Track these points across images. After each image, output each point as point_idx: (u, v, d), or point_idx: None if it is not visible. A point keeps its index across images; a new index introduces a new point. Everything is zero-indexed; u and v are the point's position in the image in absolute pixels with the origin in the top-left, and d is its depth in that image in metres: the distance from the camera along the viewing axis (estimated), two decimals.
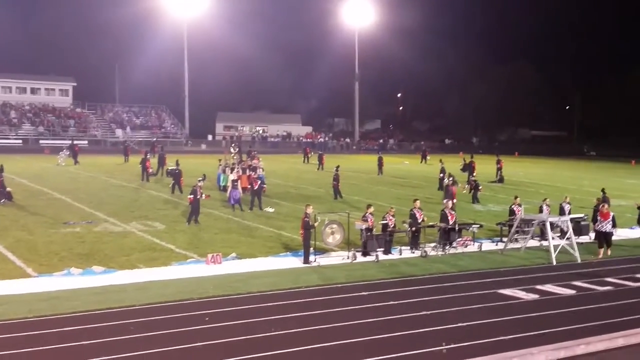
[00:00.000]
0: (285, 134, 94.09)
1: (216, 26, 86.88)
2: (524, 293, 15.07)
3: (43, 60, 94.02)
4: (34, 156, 57.88)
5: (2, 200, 26.97)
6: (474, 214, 27.29)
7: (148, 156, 39.47)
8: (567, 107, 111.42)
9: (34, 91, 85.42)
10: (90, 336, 11.38)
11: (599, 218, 20.11)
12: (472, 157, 43.08)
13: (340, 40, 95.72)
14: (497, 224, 22.40)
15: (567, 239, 19.44)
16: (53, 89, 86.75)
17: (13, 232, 20.69)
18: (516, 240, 20.83)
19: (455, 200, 28.52)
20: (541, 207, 22.61)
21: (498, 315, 13.25)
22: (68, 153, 50.45)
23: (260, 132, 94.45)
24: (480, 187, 32.52)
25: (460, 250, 19.94)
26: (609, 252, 19.77)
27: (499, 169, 43.25)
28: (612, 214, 20.03)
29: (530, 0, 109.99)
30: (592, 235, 22.36)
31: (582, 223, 22.72)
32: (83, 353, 10.57)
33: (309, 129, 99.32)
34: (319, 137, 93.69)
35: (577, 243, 19.71)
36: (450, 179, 30.50)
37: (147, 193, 32.26)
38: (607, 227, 19.66)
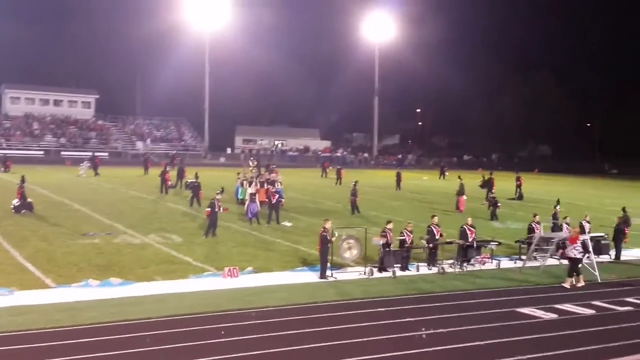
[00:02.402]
0: (303, 148, 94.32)
1: (237, 40, 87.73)
2: (542, 312, 14.90)
3: (66, 72, 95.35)
4: (55, 167, 58.56)
5: (23, 211, 27.26)
6: (493, 231, 27.09)
7: (167, 169, 39.75)
8: (588, 124, 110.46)
9: (56, 103, 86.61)
10: (107, 348, 11.42)
11: (567, 242, 18.62)
12: (491, 174, 42.85)
13: (360, 54, 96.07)
14: (516, 242, 22.21)
15: (587, 257, 19.19)
16: (75, 101, 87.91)
17: (33, 243, 20.89)
18: (535, 258, 20.63)
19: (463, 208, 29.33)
20: (561, 225, 22.38)
21: (516, 335, 13.10)
22: (89, 165, 50.97)
23: (279, 145, 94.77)
24: (499, 204, 32.30)
25: (478, 267, 19.77)
26: (580, 282, 17.69)
27: (519, 186, 42.96)
28: (582, 238, 18.33)
29: (551, 16, 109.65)
30: (612, 254, 22.15)
31: (603, 242, 22.45)
32: None
33: (327, 143, 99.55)
34: (337, 151, 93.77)
35: (597, 262, 19.47)
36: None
37: (166, 205, 32.44)
38: (573, 252, 17.81)
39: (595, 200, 44.67)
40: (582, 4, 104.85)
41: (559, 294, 16.88)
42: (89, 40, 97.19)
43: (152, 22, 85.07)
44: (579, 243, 17.88)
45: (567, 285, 17.56)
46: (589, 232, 21.69)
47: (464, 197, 35.11)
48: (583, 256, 18.03)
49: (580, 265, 17.97)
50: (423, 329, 11.38)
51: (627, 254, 22.62)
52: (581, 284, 17.67)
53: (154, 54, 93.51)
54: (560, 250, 19.93)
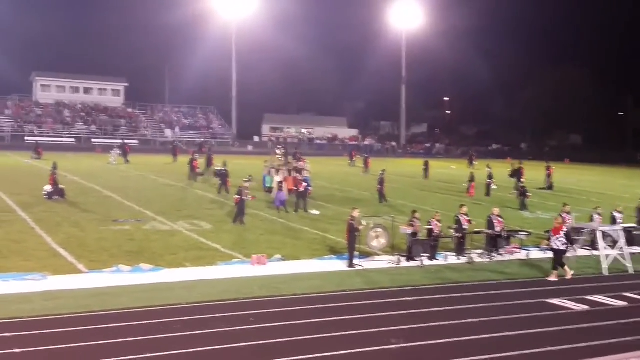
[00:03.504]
0: (331, 136, 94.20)
1: (264, 28, 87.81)
2: (573, 303, 14.72)
3: (96, 60, 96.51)
4: (86, 154, 59.41)
5: (55, 197, 27.71)
6: (522, 221, 26.82)
7: (196, 156, 40.06)
8: (620, 113, 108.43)
9: (87, 91, 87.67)
10: (137, 333, 11.58)
11: (550, 233, 17.95)
12: (520, 163, 42.40)
13: (387, 42, 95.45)
14: (546, 232, 21.91)
15: (619, 249, 18.90)
16: (105, 89, 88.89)
17: (65, 229, 21.23)
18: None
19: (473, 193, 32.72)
20: (592, 215, 22.06)
21: (546, 326, 12.96)
22: (119, 152, 51.59)
23: (306, 134, 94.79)
24: (528, 194, 31.94)
25: (507, 257, 19.60)
26: (569, 274, 17.18)
27: (549, 175, 42.43)
28: (565, 229, 17.53)
29: (581, 1, 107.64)
30: None
31: (635, 233, 22.06)
32: (129, 349, 10.76)
33: (354, 131, 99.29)
34: (365, 140, 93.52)
35: (630, 253, 19.16)
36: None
37: (195, 193, 32.71)
38: (556, 243, 17.23)
39: (627, 190, 43.91)
40: None
41: (590, 285, 16.66)
42: (119, 28, 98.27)
43: (181, 11, 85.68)
44: (562, 234, 17.22)
45: (553, 278, 16.95)
46: (620, 223, 21.34)
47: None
48: (567, 248, 17.36)
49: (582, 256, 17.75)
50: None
51: None
52: (569, 276, 17.10)
53: (182, 43, 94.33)
54: (545, 242, 18.95)
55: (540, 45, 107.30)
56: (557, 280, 16.91)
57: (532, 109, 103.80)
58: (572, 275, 17.22)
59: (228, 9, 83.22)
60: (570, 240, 17.50)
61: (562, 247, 17.20)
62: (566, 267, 17.31)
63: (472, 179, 36.22)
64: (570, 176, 53.25)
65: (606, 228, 19.96)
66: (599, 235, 18.96)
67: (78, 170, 41.29)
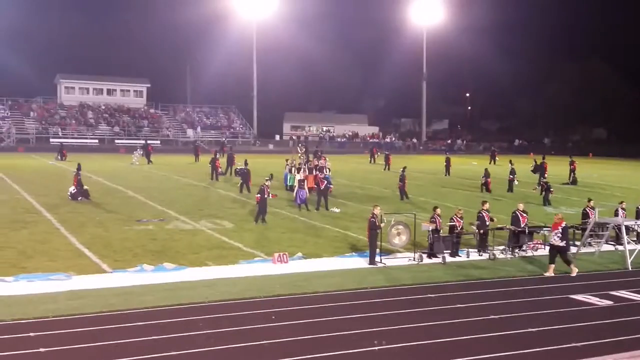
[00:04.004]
0: (351, 134, 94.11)
1: (284, 27, 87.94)
2: (597, 299, 14.57)
3: (119, 62, 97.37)
4: (109, 155, 60.05)
5: (80, 198, 28.05)
6: (545, 216, 26.53)
7: (217, 156, 40.32)
8: None
9: (110, 92, 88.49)
10: (161, 331, 11.69)
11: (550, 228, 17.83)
12: (543, 158, 41.98)
13: (407, 39, 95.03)
14: (570, 227, 21.71)
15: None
16: (128, 90, 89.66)
17: (89, 229, 21.49)
18: (590, 244, 20.17)
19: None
20: (616, 210, 21.79)
21: (570, 322, 12.84)
22: (142, 152, 52.05)
23: (327, 132, 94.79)
24: (552, 189, 31.63)
25: (530, 253, 19.45)
26: (574, 271, 16.89)
27: (572, 170, 41.99)
28: (563, 224, 17.11)
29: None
30: None
31: None
32: (153, 348, 10.87)
33: (375, 129, 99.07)
34: (385, 137, 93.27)
35: None
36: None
37: (216, 192, 32.91)
38: (554, 239, 16.96)
39: None
40: None
41: (614, 280, 16.48)
42: (140, 29, 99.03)
43: (201, 11, 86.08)
44: (560, 229, 16.87)
45: (549, 273, 16.74)
46: None
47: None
48: (566, 244, 17.02)
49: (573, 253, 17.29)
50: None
51: None
52: (574, 273, 16.78)
53: (203, 43, 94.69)
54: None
55: (562, 40, 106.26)
56: (553, 275, 16.66)
57: (555, 103, 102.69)
58: (577, 272, 16.86)
59: (248, 8, 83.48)
60: (566, 237, 17.07)
61: (561, 243, 16.87)
62: (572, 265, 17.01)
63: (487, 175, 36.07)
64: (595, 171, 52.63)
65: (630, 222, 19.73)
66: (623, 230, 18.73)
67: (102, 171, 41.76)
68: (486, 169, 37.28)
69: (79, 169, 29.75)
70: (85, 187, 28.96)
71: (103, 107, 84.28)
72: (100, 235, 20.45)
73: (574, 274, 16.80)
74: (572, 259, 17.50)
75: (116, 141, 76.26)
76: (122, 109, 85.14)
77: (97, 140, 76.43)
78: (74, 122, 79.64)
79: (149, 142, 60.90)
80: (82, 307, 12.99)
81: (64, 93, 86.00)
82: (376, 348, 11.07)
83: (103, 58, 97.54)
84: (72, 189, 28.51)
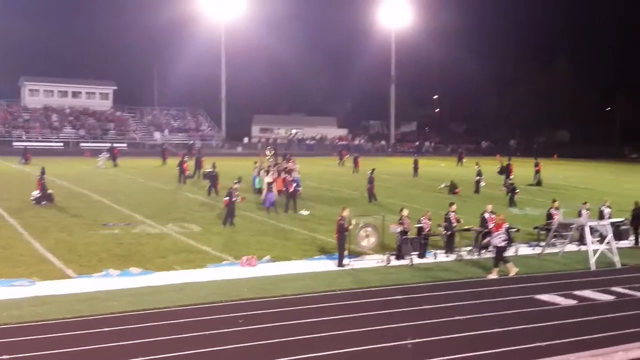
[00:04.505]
0: (320, 136, 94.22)
1: (253, 29, 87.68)
2: (561, 299, 14.83)
3: (84, 64, 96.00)
4: (74, 159, 59.12)
5: (44, 202, 27.58)
6: (511, 217, 26.85)
7: (185, 159, 40.00)
8: (607, 108, 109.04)
9: (75, 95, 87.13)
10: (127, 337, 11.56)
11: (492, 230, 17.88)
12: (509, 160, 42.59)
13: (376, 41, 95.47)
14: (535, 228, 22.10)
15: (607, 243, 19.05)
16: (94, 93, 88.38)
17: (54, 234, 21.14)
18: (554, 244, 20.51)
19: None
20: (580, 211, 22.19)
21: (535, 321, 13.05)
22: (107, 156, 51.38)
23: (296, 134, 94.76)
24: (517, 191, 32.08)
25: None
26: (513, 272, 16.95)
27: (537, 171, 42.63)
28: (506, 225, 17.25)
29: (567, 2, 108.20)
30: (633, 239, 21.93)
31: (622, 227, 22.26)
32: (119, 354, 10.75)
33: (344, 131, 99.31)
34: (354, 139, 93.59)
35: (617, 248, 19.31)
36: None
37: (184, 195, 32.65)
38: (496, 240, 17.08)
39: (614, 185, 44.20)
40: None
41: (577, 280, 16.78)
42: (107, 32, 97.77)
43: (168, 13, 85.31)
44: (503, 230, 17.03)
45: (493, 275, 16.76)
46: (609, 218, 21.49)
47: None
48: (508, 244, 17.28)
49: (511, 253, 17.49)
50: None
51: None
52: (512, 273, 16.92)
53: (170, 45, 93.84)
54: (487, 239, 18.70)
55: (528, 43, 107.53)
56: (497, 277, 16.73)
57: (520, 106, 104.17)
58: (517, 273, 16.95)
59: (216, 10, 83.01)
60: (510, 238, 17.30)
61: (503, 244, 17.01)
62: (509, 264, 17.11)
63: (454, 186, 36.12)
64: (559, 172, 53.52)
65: (594, 223, 20.11)
66: (587, 231, 19.08)
67: (66, 175, 41.11)
68: (452, 182, 37.04)
69: (43, 172, 29.24)
70: (49, 191, 28.48)
71: (68, 110, 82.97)
72: (65, 240, 20.13)
73: (511, 274, 16.90)
74: (511, 259, 17.54)
75: (81, 144, 75.05)
76: (88, 111, 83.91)
77: (61, 144, 75.15)
78: (38, 125, 78.26)
79: (115, 145, 60.14)
80: (46, 314, 12.78)
81: (28, 96, 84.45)
82: (345, 350, 11.10)
83: (68, 60, 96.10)
84: (36, 193, 28.01)
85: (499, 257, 17.10)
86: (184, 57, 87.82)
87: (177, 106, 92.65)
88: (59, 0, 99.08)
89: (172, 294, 14.47)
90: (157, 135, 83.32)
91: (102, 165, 49.09)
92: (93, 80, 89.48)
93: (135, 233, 21.66)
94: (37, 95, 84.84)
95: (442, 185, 37.82)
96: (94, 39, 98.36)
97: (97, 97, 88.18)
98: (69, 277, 15.83)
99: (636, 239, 21.91)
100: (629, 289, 15.87)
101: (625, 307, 14.30)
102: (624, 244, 21.54)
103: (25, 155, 52.44)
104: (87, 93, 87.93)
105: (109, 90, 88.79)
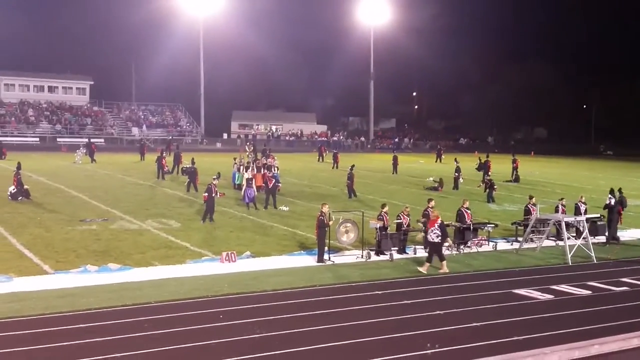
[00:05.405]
0: (299, 132, 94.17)
1: (232, 25, 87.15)
2: (538, 293, 15.01)
3: (61, 58, 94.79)
4: (51, 154, 58.44)
5: (20, 198, 27.25)
6: (489, 213, 27.17)
7: (164, 154, 39.74)
8: (584, 106, 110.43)
9: (51, 89, 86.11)
10: (106, 333, 11.49)
11: (427, 225, 17.74)
12: (487, 156, 42.92)
13: (355, 38, 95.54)
14: (513, 224, 22.31)
15: (583, 239, 19.32)
16: (70, 87, 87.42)
17: (30, 229, 20.91)
18: (531, 240, 20.75)
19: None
20: (557, 206, 22.47)
21: (512, 316, 13.20)
22: (85, 151, 50.85)
23: (275, 130, 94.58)
24: (495, 187, 32.38)
25: (474, 249, 19.87)
26: (443, 270, 16.88)
27: (515, 168, 43.05)
28: (439, 221, 17.18)
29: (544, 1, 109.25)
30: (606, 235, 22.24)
31: (599, 223, 22.56)
32: (98, 350, 10.67)
33: (323, 127, 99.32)
34: (334, 136, 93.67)
35: (593, 243, 19.59)
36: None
37: (163, 191, 32.45)
38: (431, 236, 17.04)
39: (590, 181, 44.81)
40: None
41: (554, 275, 16.99)
42: (83, 26, 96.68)
43: (147, 7, 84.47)
44: (436, 227, 16.97)
45: (423, 270, 16.75)
46: (585, 214, 21.77)
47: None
48: (442, 240, 17.17)
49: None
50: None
51: (622, 235, 22.67)
52: (444, 270, 16.84)
53: (148, 40, 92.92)
54: (423, 235, 18.75)
55: (505, 42, 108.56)
56: (425, 272, 16.66)
57: (498, 103, 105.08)
58: (447, 271, 16.83)
59: (195, 5, 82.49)
60: (444, 233, 17.21)
61: (437, 240, 16.96)
62: (443, 262, 17.00)
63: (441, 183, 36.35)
64: (536, 168, 54.08)
65: (570, 219, 20.37)
66: (563, 226, 19.33)
67: (43, 170, 40.63)
68: (441, 179, 37.34)
69: (18, 167, 28.88)
70: (25, 186, 28.13)
71: (44, 105, 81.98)
72: (42, 236, 19.92)
73: (443, 271, 16.83)
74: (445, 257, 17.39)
75: (58, 139, 74.17)
76: (64, 106, 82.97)
77: (37, 139, 74.19)
78: (13, 119, 77.22)
79: (92, 140, 59.51)
80: (23, 310, 12.65)
81: (3, 90, 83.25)
82: (325, 345, 11.14)
83: (44, 55, 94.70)
84: (11, 188, 27.66)
85: (433, 251, 16.99)
86: (162, 52, 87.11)
87: (156, 101, 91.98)
88: None
89: (151, 289, 14.39)
90: (135, 130, 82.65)
91: (80, 160, 48.57)
92: (70, 74, 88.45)
93: (113, 229, 21.49)
94: (12, 89, 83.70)
95: (431, 179, 38.15)
96: (71, 34, 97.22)
97: (73, 92, 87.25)
98: (46, 273, 15.68)
99: (610, 234, 22.14)
100: (605, 283, 16.11)
101: (601, 302, 14.52)
102: (600, 239, 21.82)
103: (1, 150, 51.72)
104: (64, 88, 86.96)
105: (86, 85, 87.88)
